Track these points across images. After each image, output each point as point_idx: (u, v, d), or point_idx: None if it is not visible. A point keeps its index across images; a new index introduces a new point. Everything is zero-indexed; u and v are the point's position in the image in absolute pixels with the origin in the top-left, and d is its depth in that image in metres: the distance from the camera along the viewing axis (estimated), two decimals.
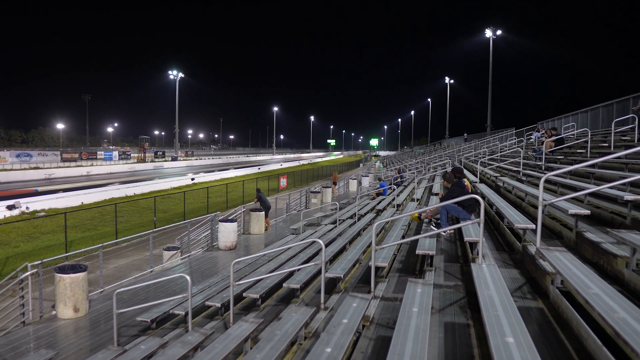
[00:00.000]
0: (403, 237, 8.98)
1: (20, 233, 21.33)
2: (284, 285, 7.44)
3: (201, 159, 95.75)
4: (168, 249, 15.16)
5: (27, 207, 26.08)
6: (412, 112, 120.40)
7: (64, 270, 9.98)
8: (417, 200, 15.05)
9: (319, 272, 7.72)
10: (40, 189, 36.07)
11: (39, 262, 10.33)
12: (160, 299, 8.62)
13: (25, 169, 54.12)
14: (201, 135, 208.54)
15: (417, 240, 7.16)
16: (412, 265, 7.50)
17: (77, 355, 7.69)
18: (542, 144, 15.14)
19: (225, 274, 10.79)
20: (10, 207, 25.26)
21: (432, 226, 8.49)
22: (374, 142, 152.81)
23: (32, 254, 17.03)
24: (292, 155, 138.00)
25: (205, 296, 8.60)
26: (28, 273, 10.08)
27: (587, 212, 5.96)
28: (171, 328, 7.91)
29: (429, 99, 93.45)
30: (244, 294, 7.69)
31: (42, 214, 25.16)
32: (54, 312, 10.05)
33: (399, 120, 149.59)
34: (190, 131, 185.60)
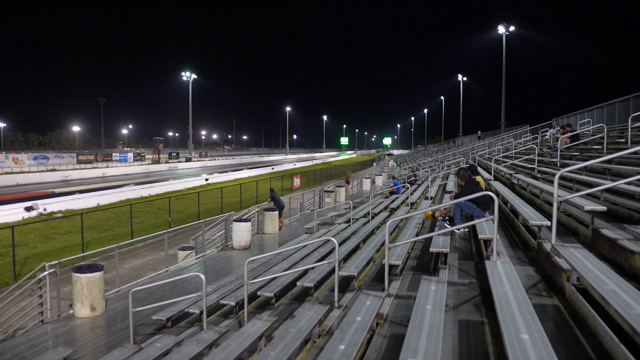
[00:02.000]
0: (417, 235, 8.94)
1: (38, 234, 21.64)
2: (298, 283, 7.46)
3: (215, 159, 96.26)
4: (183, 249, 15.27)
5: (44, 209, 26.45)
6: (426, 111, 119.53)
7: (80, 270, 10.12)
8: (431, 198, 14.98)
9: (332, 271, 7.70)
10: (57, 190, 36.58)
11: (57, 262, 10.49)
12: (176, 297, 8.69)
13: (42, 171, 54.94)
14: (215, 136, 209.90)
15: (430, 238, 7.14)
16: (426, 263, 7.47)
17: (94, 353, 7.79)
18: (557, 140, 14.97)
19: (239, 273, 10.84)
20: (28, 209, 25.64)
21: (445, 224, 8.44)
22: (387, 140, 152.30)
23: (49, 255, 17.28)
24: (305, 155, 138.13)
25: (219, 295, 8.65)
26: (46, 273, 10.23)
27: (604, 208, 5.89)
28: (186, 326, 7.98)
29: (442, 97, 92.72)
30: (258, 293, 7.72)
31: (59, 215, 25.50)
32: (71, 311, 10.19)
33: (412, 118, 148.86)
34: (204, 132, 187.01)
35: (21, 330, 9.57)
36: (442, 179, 20.62)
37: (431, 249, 6.60)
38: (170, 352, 5.63)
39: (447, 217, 8.70)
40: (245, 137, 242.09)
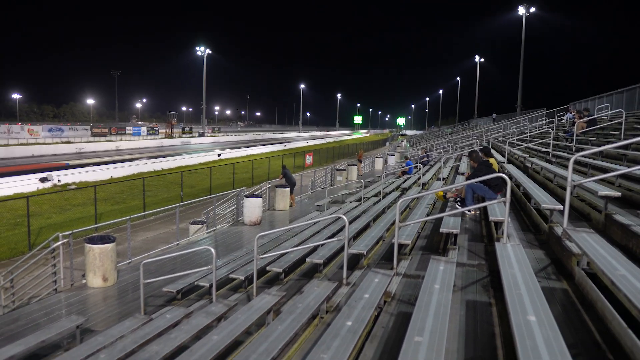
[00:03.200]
0: (427, 216, 8.93)
1: (53, 205, 21.97)
2: (307, 260, 7.51)
3: (228, 135, 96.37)
4: (194, 223, 15.43)
5: (58, 180, 26.77)
6: (441, 92, 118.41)
7: (93, 240, 10.27)
8: (443, 179, 14.92)
9: (342, 248, 7.74)
10: (71, 162, 36.95)
11: (70, 232, 10.65)
12: (186, 270, 8.80)
13: (57, 142, 55.38)
14: (228, 112, 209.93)
15: (441, 219, 7.13)
16: (435, 243, 7.48)
17: (106, 322, 7.96)
18: (574, 125, 14.75)
19: (249, 248, 10.92)
20: (43, 180, 26.00)
21: (457, 205, 8.41)
22: (400, 121, 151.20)
23: (63, 225, 17.55)
24: (318, 133, 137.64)
25: (229, 269, 8.75)
26: (59, 242, 10.39)
27: (618, 194, 5.82)
28: (196, 299, 8.10)
29: (458, 78, 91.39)
30: (268, 268, 7.80)
31: (73, 186, 25.81)
32: (84, 281, 10.38)
33: (427, 99, 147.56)
34: (217, 108, 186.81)
35: (35, 298, 9.79)
36: (455, 160, 20.49)
37: (441, 230, 6.59)
38: (179, 323, 5.73)
39: (458, 199, 8.67)
40: (258, 114, 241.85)
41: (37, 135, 59.35)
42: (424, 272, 4.68)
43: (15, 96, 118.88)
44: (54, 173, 27.28)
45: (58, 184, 26.52)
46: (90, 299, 9.59)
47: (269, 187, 20.09)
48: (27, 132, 58.23)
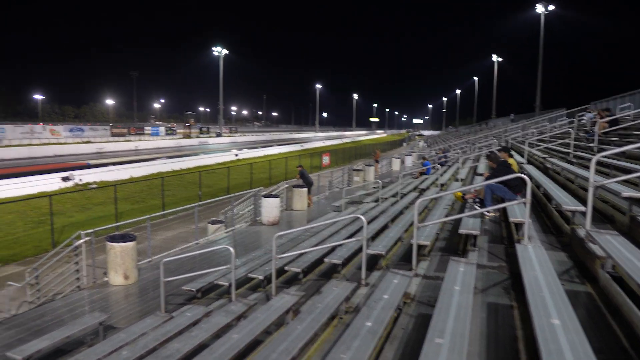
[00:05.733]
0: (446, 217, 8.87)
1: (75, 204, 22.33)
2: (326, 260, 7.52)
3: (245, 135, 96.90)
4: (213, 223, 15.52)
5: (80, 179, 27.22)
6: (458, 92, 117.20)
7: (114, 239, 10.43)
8: (462, 180, 14.80)
9: (360, 249, 7.73)
10: (92, 162, 37.53)
11: (92, 230, 10.82)
12: (205, 269, 8.87)
13: (77, 142, 56.31)
14: (245, 112, 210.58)
15: (460, 220, 7.08)
16: (454, 244, 7.43)
17: (128, 319, 8.07)
18: (595, 125, 14.51)
19: (267, 248, 10.96)
20: (64, 179, 26.46)
21: (476, 206, 8.33)
22: (417, 121, 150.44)
23: (85, 224, 17.79)
24: (334, 133, 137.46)
25: (248, 268, 8.80)
26: (82, 241, 10.57)
27: None
28: (215, 298, 8.16)
29: (475, 78, 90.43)
30: (286, 268, 7.83)
31: (94, 185, 26.21)
32: (105, 279, 10.55)
33: (444, 99, 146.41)
34: (234, 108, 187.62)
35: (60, 295, 9.99)
36: (473, 161, 20.32)
37: (460, 231, 6.55)
38: (199, 322, 5.79)
39: (477, 200, 8.59)
40: (275, 114, 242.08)
41: (59, 135, 60.35)
42: (444, 274, 4.66)
43: (37, 97, 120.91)
44: (75, 172, 27.76)
45: (79, 183, 26.96)
46: (112, 297, 9.74)
47: (286, 187, 20.13)
48: (49, 132, 59.28)
